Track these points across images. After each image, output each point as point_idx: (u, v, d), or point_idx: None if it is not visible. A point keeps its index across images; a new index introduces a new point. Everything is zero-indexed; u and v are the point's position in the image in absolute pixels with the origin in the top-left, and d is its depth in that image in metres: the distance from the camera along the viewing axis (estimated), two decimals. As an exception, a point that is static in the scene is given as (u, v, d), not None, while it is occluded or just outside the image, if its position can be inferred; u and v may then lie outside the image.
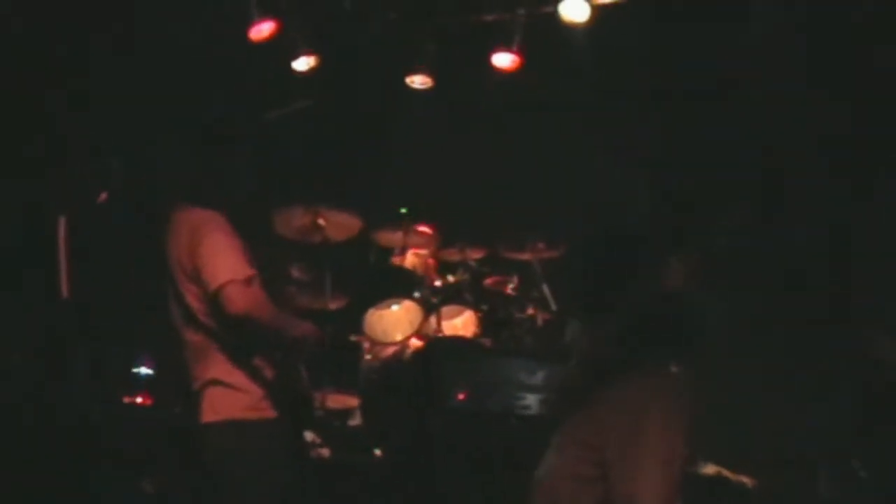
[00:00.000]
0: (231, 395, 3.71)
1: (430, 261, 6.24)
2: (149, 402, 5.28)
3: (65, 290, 3.75)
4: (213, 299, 3.65)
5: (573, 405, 3.95)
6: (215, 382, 3.73)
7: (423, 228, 6.26)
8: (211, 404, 3.73)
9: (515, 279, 6.19)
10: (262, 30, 5.82)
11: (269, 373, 3.73)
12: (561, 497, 3.84)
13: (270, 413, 3.70)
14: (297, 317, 3.95)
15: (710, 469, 5.10)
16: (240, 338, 3.71)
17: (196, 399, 3.78)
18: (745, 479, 5.04)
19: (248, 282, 3.66)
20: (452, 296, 6.12)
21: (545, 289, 6.07)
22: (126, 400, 5.30)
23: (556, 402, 4.66)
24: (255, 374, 3.71)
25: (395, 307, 6.10)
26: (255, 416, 3.69)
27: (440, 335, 5.88)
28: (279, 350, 3.75)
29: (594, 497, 3.81)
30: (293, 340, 3.75)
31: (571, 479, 3.83)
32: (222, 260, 3.66)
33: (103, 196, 3.90)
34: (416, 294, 6.09)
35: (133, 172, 4.04)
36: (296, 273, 5.73)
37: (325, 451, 5.55)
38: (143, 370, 5.38)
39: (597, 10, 5.69)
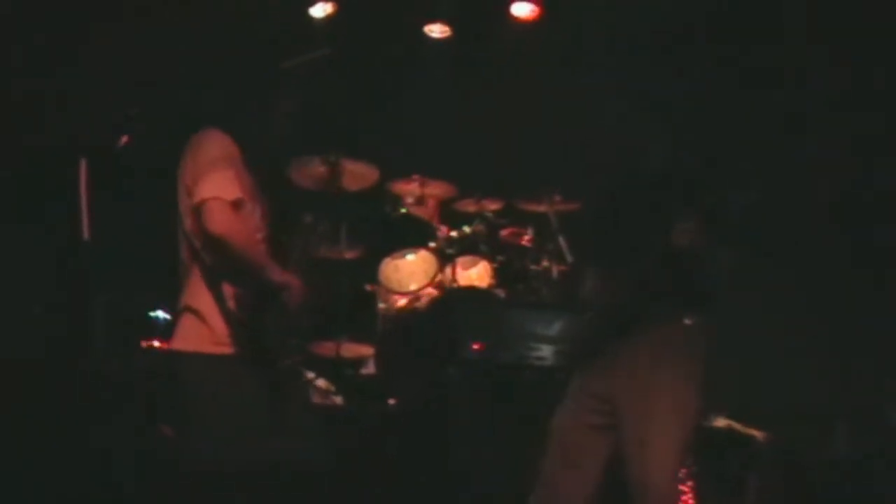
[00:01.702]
0: (198, 325, 3.66)
1: (434, 210, 6.23)
2: (166, 346, 5.30)
3: (86, 231, 3.74)
4: (196, 213, 3.57)
5: (587, 356, 3.97)
6: (188, 309, 3.69)
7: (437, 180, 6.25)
8: (181, 332, 3.71)
9: (531, 231, 6.19)
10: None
11: (233, 305, 3.62)
12: (575, 446, 3.85)
13: (229, 349, 3.62)
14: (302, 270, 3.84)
15: (720, 422, 5.12)
16: (213, 261, 3.63)
17: (174, 322, 3.78)
18: (756, 433, 5.05)
19: (233, 204, 3.58)
20: (468, 246, 6.12)
21: (561, 241, 6.06)
22: (143, 344, 5.34)
23: (570, 353, 4.67)
24: (220, 305, 3.62)
25: (410, 257, 6.10)
26: (215, 350, 3.62)
27: (455, 285, 5.89)
28: (249, 285, 3.64)
29: (607, 446, 3.83)
30: (270, 285, 3.64)
31: (586, 428, 3.84)
32: (212, 176, 3.57)
33: (125, 139, 3.88)
34: (432, 244, 6.10)
35: (156, 116, 4.02)
36: (309, 221, 5.73)
37: (338, 399, 5.59)
38: (161, 314, 5.41)
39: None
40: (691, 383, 3.77)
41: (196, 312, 3.69)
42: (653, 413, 3.71)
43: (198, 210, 3.58)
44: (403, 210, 6.31)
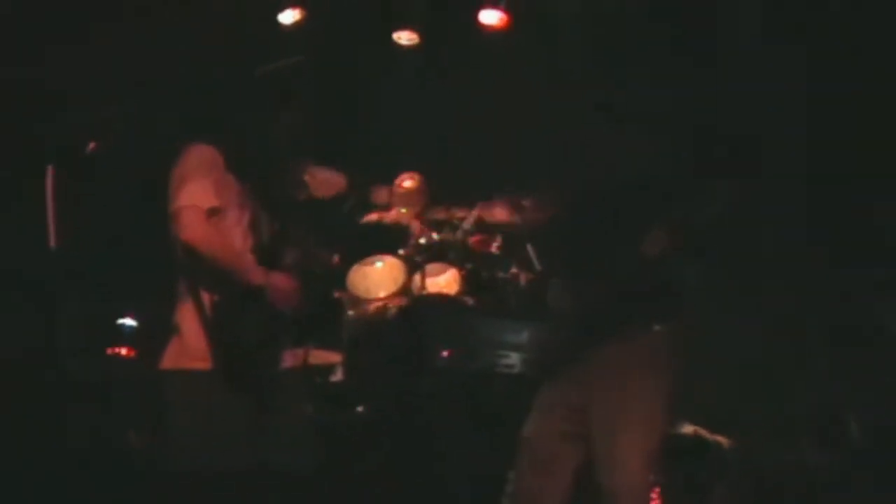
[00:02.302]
0: (175, 341, 3.65)
1: (417, 219, 6.24)
2: (132, 354, 5.27)
3: (53, 239, 3.71)
4: (171, 222, 3.56)
5: (557, 364, 3.98)
6: (175, 328, 3.68)
7: (410, 184, 6.25)
8: (167, 351, 3.70)
9: (500, 239, 6.20)
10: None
11: (211, 314, 3.60)
12: (547, 454, 3.87)
13: (204, 364, 3.58)
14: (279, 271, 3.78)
15: (687, 429, 5.16)
16: (191, 269, 3.61)
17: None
18: (722, 439, 5.09)
19: (209, 212, 3.56)
20: (437, 254, 6.13)
21: (529, 249, 6.08)
22: (109, 352, 5.30)
23: (539, 361, 4.68)
24: (199, 316, 3.60)
25: (379, 264, 6.11)
26: (189, 365, 3.60)
27: (424, 293, 5.90)
28: (229, 293, 3.62)
29: (578, 454, 3.85)
30: (252, 288, 3.61)
31: (557, 436, 3.86)
32: (187, 185, 3.56)
33: (93, 146, 3.85)
34: (401, 251, 6.10)
35: (124, 123, 3.99)
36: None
37: (307, 407, 5.57)
38: (128, 322, 5.37)
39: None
40: (662, 391, 3.80)
41: (176, 327, 3.68)
42: (623, 421, 3.74)
43: (172, 218, 3.57)
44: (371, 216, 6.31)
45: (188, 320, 3.64)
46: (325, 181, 6.01)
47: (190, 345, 3.62)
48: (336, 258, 5.99)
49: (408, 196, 6.31)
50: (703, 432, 5.13)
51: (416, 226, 6.21)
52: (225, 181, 3.66)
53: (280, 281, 3.68)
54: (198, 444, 3.57)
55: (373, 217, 6.45)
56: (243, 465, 3.59)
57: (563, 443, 3.85)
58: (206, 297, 3.64)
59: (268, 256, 3.72)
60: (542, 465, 3.87)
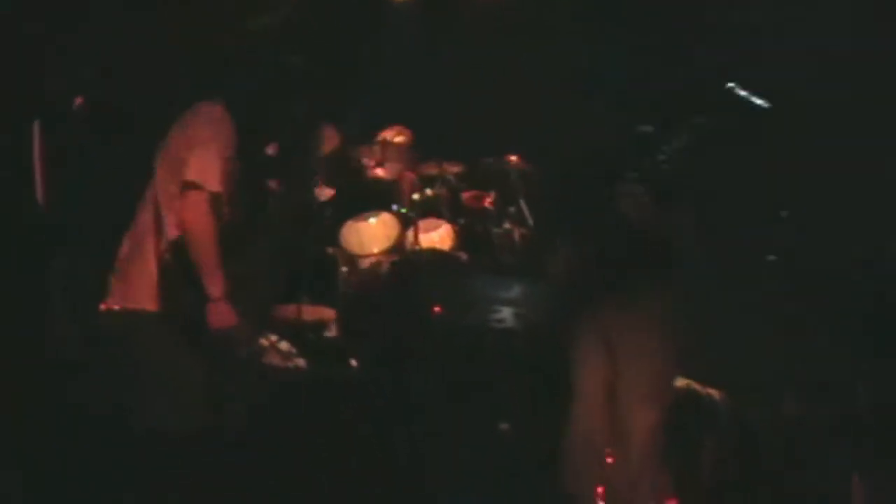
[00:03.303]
0: (126, 282, 3.80)
1: (409, 174, 6.22)
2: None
3: (40, 196, 3.71)
4: (181, 188, 3.62)
5: (582, 311, 4.18)
6: (126, 268, 3.81)
7: (400, 139, 6.22)
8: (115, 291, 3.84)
9: (493, 194, 6.20)
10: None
11: (163, 261, 3.69)
12: (596, 401, 4.12)
13: (151, 306, 3.69)
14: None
15: (679, 381, 5.18)
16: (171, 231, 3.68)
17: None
18: (714, 392, 5.12)
19: (212, 196, 3.63)
20: (429, 209, 6.12)
21: (522, 204, 6.08)
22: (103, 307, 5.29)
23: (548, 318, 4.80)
24: (151, 260, 3.71)
25: (372, 220, 6.10)
26: (137, 306, 3.72)
27: (417, 248, 5.90)
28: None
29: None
30: (205, 290, 3.68)
31: (602, 383, 4.09)
32: (202, 156, 3.61)
33: (79, 101, 3.84)
34: (394, 207, 6.10)
35: (110, 79, 3.97)
36: (273, 185, 5.70)
37: (300, 362, 5.59)
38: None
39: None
40: (675, 340, 4.10)
41: (128, 268, 3.75)
42: (648, 368, 4.03)
43: (184, 187, 3.60)
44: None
45: (144, 262, 3.65)
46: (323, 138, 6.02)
47: (142, 286, 3.66)
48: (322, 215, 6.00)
49: (396, 150, 6.28)
50: (696, 385, 5.15)
51: (408, 181, 6.19)
52: (231, 157, 3.67)
53: (222, 309, 3.69)
54: (153, 389, 3.61)
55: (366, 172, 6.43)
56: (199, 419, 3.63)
57: (606, 387, 4.10)
58: (165, 247, 3.68)
59: (238, 237, 3.76)
60: (593, 410, 4.12)
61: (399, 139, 6.32)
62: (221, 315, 3.71)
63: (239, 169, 3.75)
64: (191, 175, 3.59)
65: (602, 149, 4.04)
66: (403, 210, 6.08)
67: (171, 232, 3.64)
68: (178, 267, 3.62)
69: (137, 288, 3.69)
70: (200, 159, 3.60)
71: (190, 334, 3.66)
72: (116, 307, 3.76)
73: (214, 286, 3.67)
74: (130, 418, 3.70)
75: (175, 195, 3.65)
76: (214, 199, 3.65)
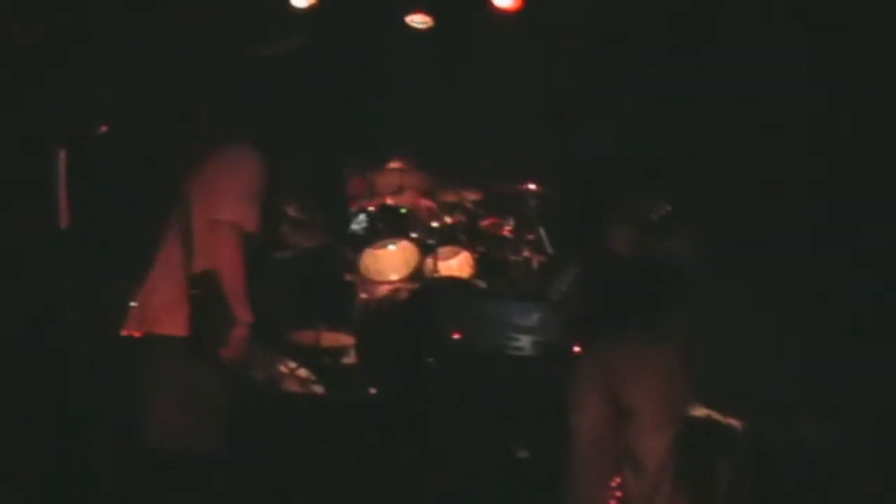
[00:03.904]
0: (152, 308, 3.82)
1: (429, 203, 6.24)
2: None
3: (63, 220, 3.76)
4: (213, 225, 3.71)
5: (586, 348, 4.19)
6: (150, 296, 3.85)
7: (411, 167, 6.26)
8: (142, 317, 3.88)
9: (511, 221, 6.21)
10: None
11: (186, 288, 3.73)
12: (595, 437, 4.09)
13: (179, 331, 3.72)
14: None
15: (700, 411, 5.16)
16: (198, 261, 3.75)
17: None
18: (734, 422, 5.10)
19: (246, 235, 3.72)
20: (448, 237, 6.14)
21: (541, 231, 6.09)
22: (124, 333, 5.32)
23: (560, 346, 4.80)
24: (179, 286, 3.74)
25: (391, 247, 6.12)
26: (164, 331, 3.76)
27: (436, 276, 5.91)
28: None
29: (619, 429, 4.07)
30: (232, 316, 3.76)
31: (600, 420, 4.08)
32: (244, 200, 3.72)
33: (104, 128, 3.89)
34: (413, 235, 6.11)
35: (134, 105, 4.02)
36: (291, 212, 5.74)
37: (319, 389, 5.60)
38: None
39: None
40: (682, 367, 4.03)
41: (153, 295, 3.81)
42: (649, 402, 3.98)
43: (222, 225, 3.71)
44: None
45: (177, 293, 3.73)
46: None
47: (170, 312, 3.72)
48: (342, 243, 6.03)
49: (409, 178, 6.30)
50: (716, 415, 5.13)
51: (423, 208, 6.21)
52: (261, 195, 3.79)
53: (240, 343, 3.78)
54: (178, 414, 3.66)
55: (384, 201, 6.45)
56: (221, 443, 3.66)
57: (607, 425, 4.07)
58: (196, 275, 3.74)
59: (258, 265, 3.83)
60: (592, 448, 4.09)
61: (410, 167, 6.35)
62: (238, 344, 3.81)
63: (266, 204, 3.83)
64: (225, 214, 3.72)
65: (597, 184, 4.06)
66: (414, 235, 6.10)
67: (201, 262, 3.73)
68: (207, 295, 3.71)
69: (165, 314, 3.77)
70: (235, 200, 3.73)
71: (217, 359, 3.72)
72: (141, 333, 3.80)
73: (246, 311, 3.77)
74: (152, 440, 3.73)
75: (206, 229, 3.77)
76: (246, 236, 3.76)
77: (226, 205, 3.72)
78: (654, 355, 3.97)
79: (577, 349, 4.30)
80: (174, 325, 3.72)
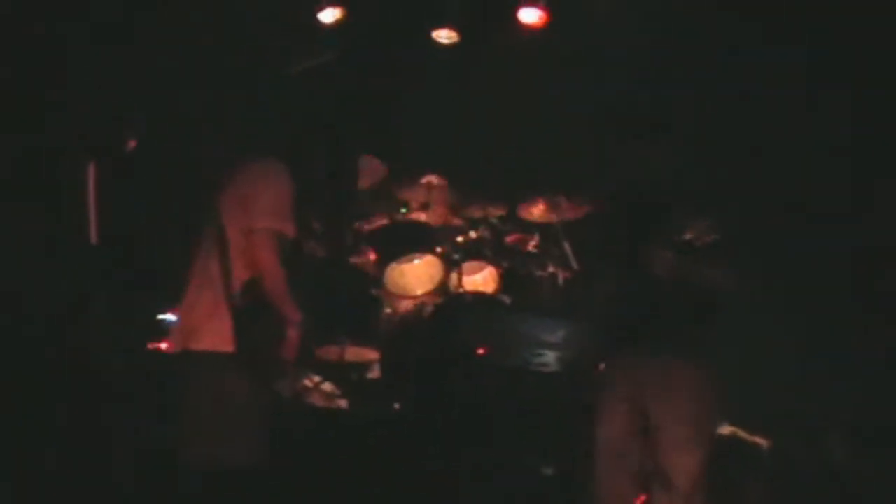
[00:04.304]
0: (198, 325, 3.85)
1: (455, 218, 6.24)
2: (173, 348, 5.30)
3: (93, 235, 3.79)
4: (254, 234, 3.80)
5: (612, 363, 4.17)
6: (195, 312, 3.88)
7: (443, 183, 6.27)
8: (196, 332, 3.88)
9: (536, 237, 6.20)
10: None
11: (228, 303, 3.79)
12: (619, 451, 4.07)
13: (226, 347, 3.77)
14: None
15: (726, 429, 5.13)
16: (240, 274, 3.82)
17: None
18: (760, 440, 5.06)
19: (283, 241, 3.80)
20: (473, 252, 6.14)
21: (566, 247, 6.08)
22: (151, 346, 5.35)
23: (590, 361, 4.78)
24: (222, 303, 3.80)
25: (416, 262, 6.12)
26: (210, 347, 3.80)
27: (461, 291, 5.91)
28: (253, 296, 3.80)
29: (643, 445, 4.05)
30: (283, 316, 3.82)
31: (626, 435, 4.06)
32: (282, 208, 3.82)
33: (132, 143, 3.93)
34: (438, 249, 6.12)
35: (163, 121, 4.05)
36: (318, 227, 5.75)
37: (343, 403, 5.60)
38: (169, 317, 5.42)
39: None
40: (710, 392, 4.01)
41: (198, 312, 3.84)
42: (678, 423, 3.95)
43: (259, 232, 3.79)
44: (404, 211, 6.33)
45: (217, 306, 3.76)
46: (363, 170, 6.07)
47: (214, 328, 3.76)
48: (372, 256, 6.03)
49: (439, 193, 6.31)
50: (742, 433, 5.10)
51: (451, 224, 6.21)
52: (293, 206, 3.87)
53: (296, 343, 3.88)
54: (222, 429, 3.67)
55: (411, 215, 6.46)
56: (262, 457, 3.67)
57: (632, 439, 4.05)
58: (238, 290, 3.79)
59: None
60: (617, 460, 4.06)
61: (436, 182, 6.35)
62: (295, 338, 3.87)
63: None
64: (262, 222, 3.80)
65: (637, 208, 4.05)
66: (440, 249, 6.10)
67: (241, 275, 3.77)
68: (251, 308, 3.76)
69: (209, 330, 3.80)
70: (270, 208, 3.82)
71: (262, 373, 3.74)
72: (183, 349, 3.85)
73: (294, 311, 3.86)
74: (197, 457, 3.75)
75: (243, 240, 3.84)
76: (283, 241, 3.84)
77: (261, 213, 3.80)
78: (686, 372, 3.96)
79: (604, 364, 4.28)
80: (214, 340, 3.76)
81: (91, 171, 3.78)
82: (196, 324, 3.83)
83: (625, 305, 4.09)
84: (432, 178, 6.33)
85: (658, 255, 3.89)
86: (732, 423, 5.13)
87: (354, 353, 5.95)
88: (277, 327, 3.81)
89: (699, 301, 3.95)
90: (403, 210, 6.37)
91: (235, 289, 3.78)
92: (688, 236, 3.82)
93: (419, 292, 6.00)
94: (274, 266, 3.80)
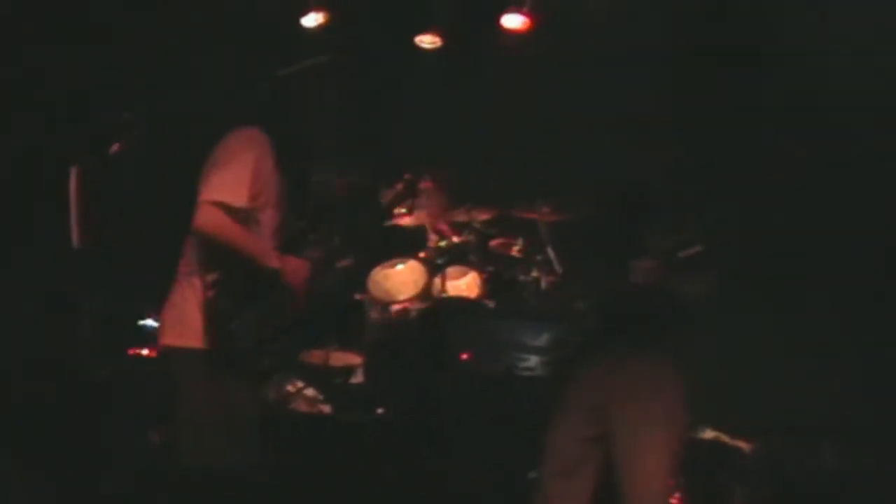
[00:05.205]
0: (173, 319, 3.66)
1: (440, 222, 6.24)
2: (154, 354, 5.28)
3: (76, 239, 3.75)
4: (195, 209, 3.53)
5: (573, 367, 4.04)
6: (173, 306, 3.69)
7: (430, 186, 6.25)
8: (164, 328, 3.72)
9: (521, 241, 6.20)
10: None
11: (207, 298, 3.58)
12: (570, 457, 3.92)
13: (199, 343, 3.58)
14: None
15: (708, 433, 5.14)
16: (201, 255, 3.60)
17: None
18: (742, 444, 5.08)
19: (235, 211, 3.53)
20: (457, 257, 6.13)
21: (550, 251, 6.08)
22: (131, 352, 5.33)
23: (557, 362, 4.71)
24: (195, 297, 3.60)
25: (400, 267, 6.11)
26: (186, 343, 3.61)
27: (445, 295, 5.90)
28: (227, 284, 3.60)
29: (599, 456, 3.89)
30: (268, 272, 3.60)
31: (578, 441, 3.91)
32: (223, 173, 3.52)
33: (116, 147, 3.89)
34: (422, 254, 6.11)
35: (148, 124, 4.02)
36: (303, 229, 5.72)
37: (327, 408, 5.59)
38: (150, 322, 5.39)
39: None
40: (679, 395, 3.85)
41: (174, 305, 3.68)
42: (645, 424, 3.80)
43: (196, 206, 3.52)
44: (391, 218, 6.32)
45: (189, 300, 3.61)
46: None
47: (188, 323, 3.59)
48: (351, 262, 6.01)
49: (426, 197, 6.30)
50: (724, 437, 5.11)
51: (436, 228, 6.20)
52: (268, 175, 3.62)
53: (294, 262, 3.69)
54: (207, 430, 3.55)
55: (395, 219, 6.45)
56: (249, 458, 3.59)
57: (584, 446, 3.91)
58: (209, 282, 3.60)
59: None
60: (565, 468, 3.93)
61: (421, 187, 6.34)
62: (294, 268, 3.68)
63: (280, 186, 3.69)
64: (211, 195, 3.52)
65: (626, 212, 4.00)
66: (423, 254, 6.09)
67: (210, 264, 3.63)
68: (221, 301, 3.58)
69: (185, 325, 3.62)
70: (223, 175, 3.54)
71: (237, 370, 3.64)
72: (164, 345, 3.70)
73: (268, 259, 3.61)
74: (175, 455, 3.68)
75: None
76: (237, 213, 3.55)
77: (210, 180, 3.52)
78: (654, 377, 3.85)
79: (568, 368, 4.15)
80: (196, 336, 3.59)
81: (74, 175, 3.74)
82: (175, 318, 3.66)
83: (599, 312, 4.05)
84: (411, 183, 6.33)
85: (639, 264, 3.83)
86: (715, 428, 5.15)
87: (338, 358, 5.94)
88: (258, 322, 3.61)
89: (674, 307, 3.88)
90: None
91: (209, 280, 3.58)
92: (671, 247, 3.78)
93: (403, 297, 5.99)
94: (217, 227, 3.49)
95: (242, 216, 3.58)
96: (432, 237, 6.18)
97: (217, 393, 3.59)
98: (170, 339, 3.67)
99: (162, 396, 3.82)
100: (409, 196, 6.25)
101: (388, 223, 6.30)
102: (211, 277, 3.58)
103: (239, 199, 3.54)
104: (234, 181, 3.53)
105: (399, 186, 6.29)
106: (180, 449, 3.64)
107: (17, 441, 4.37)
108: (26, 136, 4.60)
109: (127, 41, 4.98)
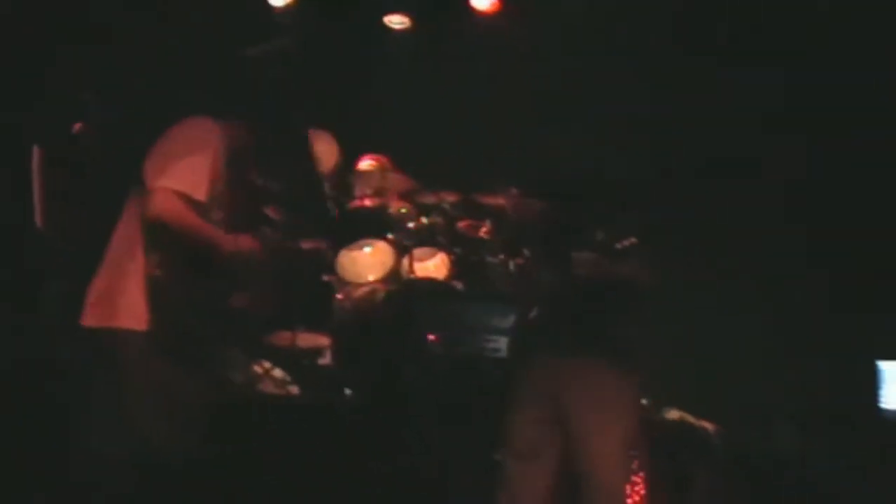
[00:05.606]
0: (111, 302, 3.61)
1: (407, 204, 6.23)
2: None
3: (39, 220, 3.71)
4: (147, 199, 3.49)
5: (529, 352, 4.08)
6: (113, 290, 3.63)
7: (375, 167, 6.25)
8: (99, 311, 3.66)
9: (488, 223, 6.21)
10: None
11: (150, 282, 3.52)
12: (530, 440, 3.96)
13: (139, 326, 3.52)
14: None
15: (673, 414, 5.18)
16: (152, 246, 3.56)
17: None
18: (708, 425, 5.12)
19: (190, 202, 3.49)
20: (425, 238, 6.14)
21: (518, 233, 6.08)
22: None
23: (513, 347, 4.73)
24: (139, 281, 3.53)
25: (367, 248, 6.11)
26: (125, 325, 3.55)
27: (412, 277, 5.91)
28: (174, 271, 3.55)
29: (558, 440, 3.93)
30: (226, 258, 3.57)
31: (534, 424, 3.95)
32: (179, 165, 3.48)
33: (78, 126, 3.84)
34: (389, 236, 6.11)
35: (111, 104, 3.98)
36: (270, 213, 5.71)
37: (294, 390, 5.59)
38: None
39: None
40: (632, 381, 3.91)
41: (115, 289, 3.61)
42: (596, 412, 3.84)
43: (148, 194, 3.48)
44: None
45: (130, 280, 3.53)
46: (319, 154, 6.01)
47: (128, 305, 3.51)
48: (323, 244, 6.00)
49: (375, 178, 6.29)
50: (689, 418, 5.16)
51: (402, 209, 6.20)
52: (223, 172, 3.58)
53: (246, 241, 3.65)
54: (147, 414, 3.51)
55: (361, 202, 6.44)
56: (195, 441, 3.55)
57: (541, 429, 3.94)
58: (155, 262, 3.55)
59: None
60: (524, 450, 3.97)
61: (388, 168, 6.32)
62: (247, 246, 3.64)
63: (233, 186, 3.65)
64: (165, 181, 3.45)
65: (567, 203, 4.00)
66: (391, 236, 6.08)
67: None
68: (167, 282, 3.53)
69: (123, 306, 3.54)
70: (180, 166, 3.48)
71: (183, 353, 3.57)
72: (98, 326, 3.61)
73: (222, 242, 3.57)
74: (116, 440, 3.62)
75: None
76: (196, 205, 3.51)
77: (168, 171, 3.46)
78: (599, 366, 3.88)
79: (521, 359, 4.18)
80: (136, 318, 3.52)
81: (36, 155, 3.70)
82: (112, 299, 3.56)
83: (546, 303, 4.04)
84: (378, 164, 6.31)
85: (579, 256, 3.84)
86: (680, 408, 5.19)
87: (306, 339, 5.93)
88: (204, 304, 3.56)
89: (621, 295, 3.87)
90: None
91: (154, 261, 3.53)
92: (606, 238, 3.77)
93: (370, 278, 5.99)
94: (172, 214, 3.43)
95: (201, 210, 3.54)
96: (400, 219, 6.16)
97: (157, 376, 3.52)
98: (105, 321, 3.58)
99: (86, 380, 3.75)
100: (377, 178, 6.24)
101: (356, 205, 6.29)
102: (156, 257, 3.52)
103: (199, 193, 3.52)
104: (194, 174, 3.51)
105: (367, 168, 6.28)
106: (120, 433, 3.58)
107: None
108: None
109: (86, 21, 4.91)
